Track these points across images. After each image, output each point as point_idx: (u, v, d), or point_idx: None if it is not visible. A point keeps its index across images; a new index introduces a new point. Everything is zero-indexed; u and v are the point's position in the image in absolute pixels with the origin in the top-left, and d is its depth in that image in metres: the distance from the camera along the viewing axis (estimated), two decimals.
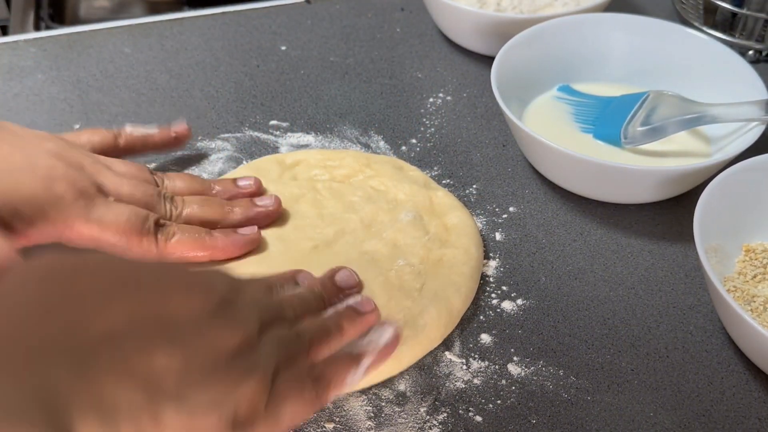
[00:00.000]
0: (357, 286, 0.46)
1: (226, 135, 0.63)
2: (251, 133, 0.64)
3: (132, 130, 0.56)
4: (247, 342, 0.33)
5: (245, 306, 0.35)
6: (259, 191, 0.54)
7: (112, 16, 1.04)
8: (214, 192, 0.54)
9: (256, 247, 0.51)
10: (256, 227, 0.51)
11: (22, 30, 0.86)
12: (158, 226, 0.49)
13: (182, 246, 0.49)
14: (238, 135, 0.63)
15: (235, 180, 0.55)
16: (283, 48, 0.74)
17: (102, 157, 0.52)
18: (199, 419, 0.31)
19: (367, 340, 0.40)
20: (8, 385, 0.26)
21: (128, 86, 0.68)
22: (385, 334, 0.40)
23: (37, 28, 0.87)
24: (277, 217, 0.53)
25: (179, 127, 0.59)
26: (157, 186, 0.52)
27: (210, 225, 0.51)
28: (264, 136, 0.63)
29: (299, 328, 0.39)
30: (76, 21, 0.99)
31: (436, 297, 0.47)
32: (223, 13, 0.79)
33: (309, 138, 0.63)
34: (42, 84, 0.68)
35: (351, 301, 0.43)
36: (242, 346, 0.33)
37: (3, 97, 0.66)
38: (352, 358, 0.39)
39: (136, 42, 0.74)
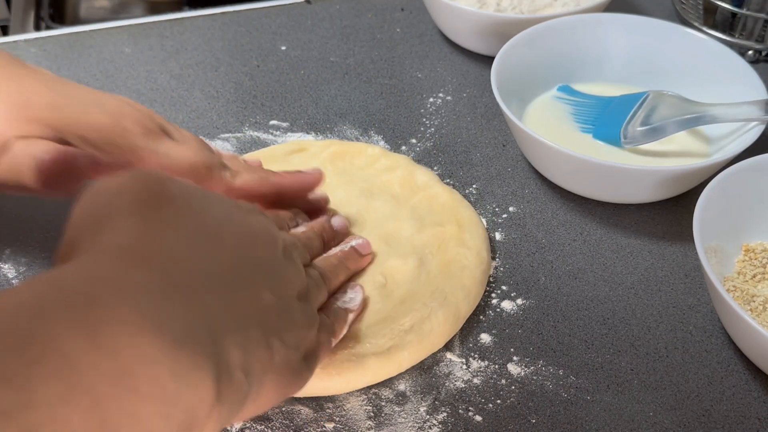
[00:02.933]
0: (349, 233, 0.51)
1: (226, 135, 0.63)
2: (251, 133, 0.64)
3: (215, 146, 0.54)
4: (304, 289, 0.38)
5: (296, 251, 0.40)
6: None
7: (112, 16, 1.04)
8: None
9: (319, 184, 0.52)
10: (318, 172, 0.51)
11: (22, 30, 0.86)
12: (223, 166, 0.48)
13: (250, 183, 0.48)
14: (238, 135, 0.63)
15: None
16: (283, 48, 0.74)
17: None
18: (291, 355, 0.35)
19: (348, 298, 0.45)
20: (179, 311, 0.28)
21: (128, 86, 0.68)
22: (359, 294, 0.46)
23: (37, 28, 0.87)
24: (321, 183, 0.52)
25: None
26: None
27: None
28: (264, 136, 0.63)
29: (321, 271, 0.43)
30: (76, 21, 0.99)
31: (445, 301, 0.47)
32: (223, 13, 0.79)
33: (309, 138, 0.63)
34: None
35: (353, 242, 0.49)
36: (302, 293, 0.37)
37: None
38: (344, 312, 0.44)
39: (136, 42, 0.74)
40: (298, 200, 0.51)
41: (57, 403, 0.22)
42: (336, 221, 0.50)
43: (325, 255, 0.46)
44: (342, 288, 0.46)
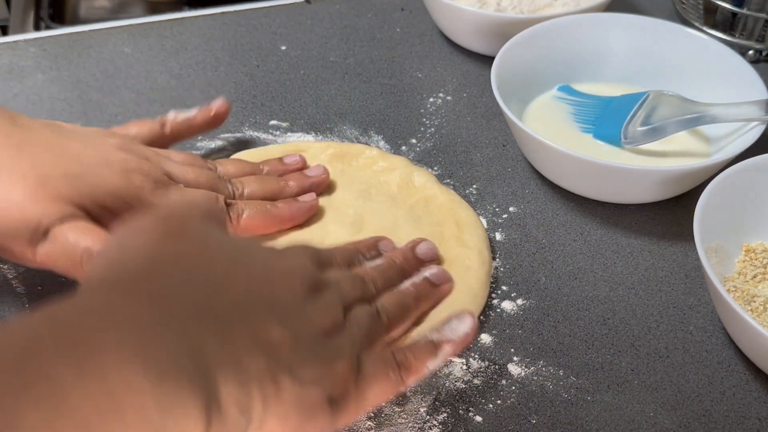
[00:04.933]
0: (436, 260, 0.48)
1: (226, 135, 0.63)
2: (251, 133, 0.64)
3: (175, 116, 0.57)
4: (335, 325, 0.36)
5: (332, 288, 0.38)
6: (304, 165, 0.57)
7: (112, 16, 1.04)
8: (264, 172, 0.55)
9: (316, 212, 0.54)
10: (314, 194, 0.54)
11: (22, 30, 0.86)
12: (227, 205, 0.50)
13: (252, 221, 0.51)
14: (238, 135, 0.63)
15: (281, 158, 0.57)
16: (283, 48, 0.74)
17: (158, 149, 0.53)
18: (307, 391, 0.32)
19: (448, 328, 0.40)
20: (168, 342, 0.27)
21: (128, 86, 0.68)
22: (464, 324, 0.40)
23: (37, 28, 0.87)
24: (326, 184, 0.55)
25: (217, 104, 0.58)
26: (215, 171, 0.54)
27: (270, 200, 0.53)
28: (264, 136, 0.63)
29: (380, 306, 0.41)
30: (76, 21, 0.99)
31: (453, 306, 0.46)
32: (223, 13, 0.79)
33: (309, 138, 0.63)
34: (42, 84, 0.68)
35: (427, 272, 0.45)
36: (332, 329, 0.36)
37: (3, 97, 0.66)
38: (433, 346, 0.39)
39: (136, 42, 0.74)
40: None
41: (42, 428, 0.22)
42: (421, 249, 0.47)
43: (396, 289, 0.43)
44: (446, 318, 0.41)
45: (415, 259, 0.46)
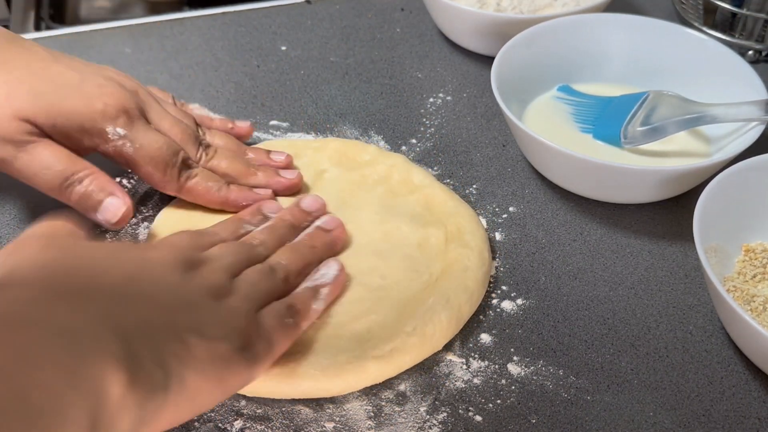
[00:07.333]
0: (323, 209, 0.52)
1: None
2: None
3: (195, 108, 0.59)
4: (221, 289, 0.39)
5: (211, 261, 0.41)
6: (288, 166, 0.56)
7: (112, 16, 1.04)
8: (246, 157, 0.56)
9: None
10: (270, 190, 0.54)
11: (22, 30, 0.86)
12: (184, 165, 0.52)
13: (197, 189, 0.52)
14: None
15: (269, 151, 0.57)
16: (283, 48, 0.74)
17: (159, 93, 0.55)
18: (215, 345, 0.36)
19: (320, 274, 0.46)
20: (87, 323, 0.31)
21: None
22: (333, 268, 0.47)
23: (38, 28, 0.87)
24: (296, 191, 0.55)
25: (241, 124, 0.60)
26: (198, 133, 0.54)
27: (231, 180, 0.53)
28: (264, 137, 0.63)
29: (274, 263, 0.44)
30: (76, 21, 0.99)
31: (448, 304, 0.47)
32: (223, 13, 0.79)
33: (309, 138, 0.63)
34: None
35: (318, 222, 0.50)
36: (219, 293, 0.39)
37: None
38: (312, 289, 0.45)
39: (136, 42, 0.74)
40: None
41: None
42: (305, 203, 0.51)
43: (290, 243, 0.47)
44: (315, 267, 0.47)
45: (302, 213, 0.50)
